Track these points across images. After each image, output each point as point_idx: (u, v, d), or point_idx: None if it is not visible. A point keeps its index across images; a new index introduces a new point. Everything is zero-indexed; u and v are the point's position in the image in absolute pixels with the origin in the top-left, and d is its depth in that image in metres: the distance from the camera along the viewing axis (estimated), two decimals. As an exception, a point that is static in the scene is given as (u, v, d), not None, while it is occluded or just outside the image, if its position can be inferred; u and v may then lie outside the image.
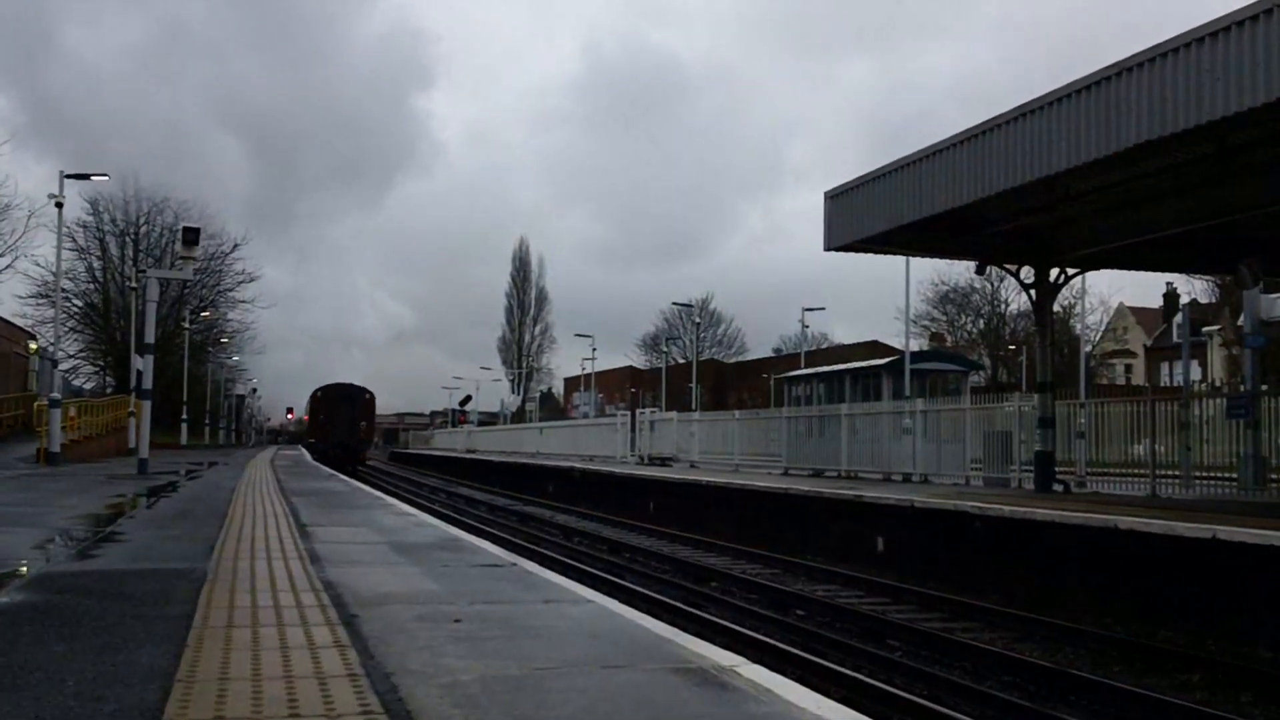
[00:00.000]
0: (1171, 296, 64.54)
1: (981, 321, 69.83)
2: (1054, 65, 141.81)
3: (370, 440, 55.69)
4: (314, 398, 53.51)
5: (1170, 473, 16.10)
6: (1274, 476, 15.15)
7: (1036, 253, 17.18)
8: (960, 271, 63.02)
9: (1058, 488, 16.61)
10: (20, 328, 47.97)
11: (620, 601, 7.47)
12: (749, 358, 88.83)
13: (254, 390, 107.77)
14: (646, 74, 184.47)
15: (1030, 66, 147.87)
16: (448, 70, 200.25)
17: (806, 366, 39.57)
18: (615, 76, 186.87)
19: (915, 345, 47.38)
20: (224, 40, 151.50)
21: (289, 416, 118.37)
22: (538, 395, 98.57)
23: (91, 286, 61.82)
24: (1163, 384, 60.67)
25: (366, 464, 50.12)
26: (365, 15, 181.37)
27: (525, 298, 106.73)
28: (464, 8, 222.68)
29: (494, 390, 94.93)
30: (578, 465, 32.89)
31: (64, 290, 49.67)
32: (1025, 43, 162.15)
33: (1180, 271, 39.26)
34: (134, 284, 45.47)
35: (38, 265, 51.52)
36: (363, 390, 53.37)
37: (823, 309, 57.69)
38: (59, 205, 30.70)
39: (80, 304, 60.97)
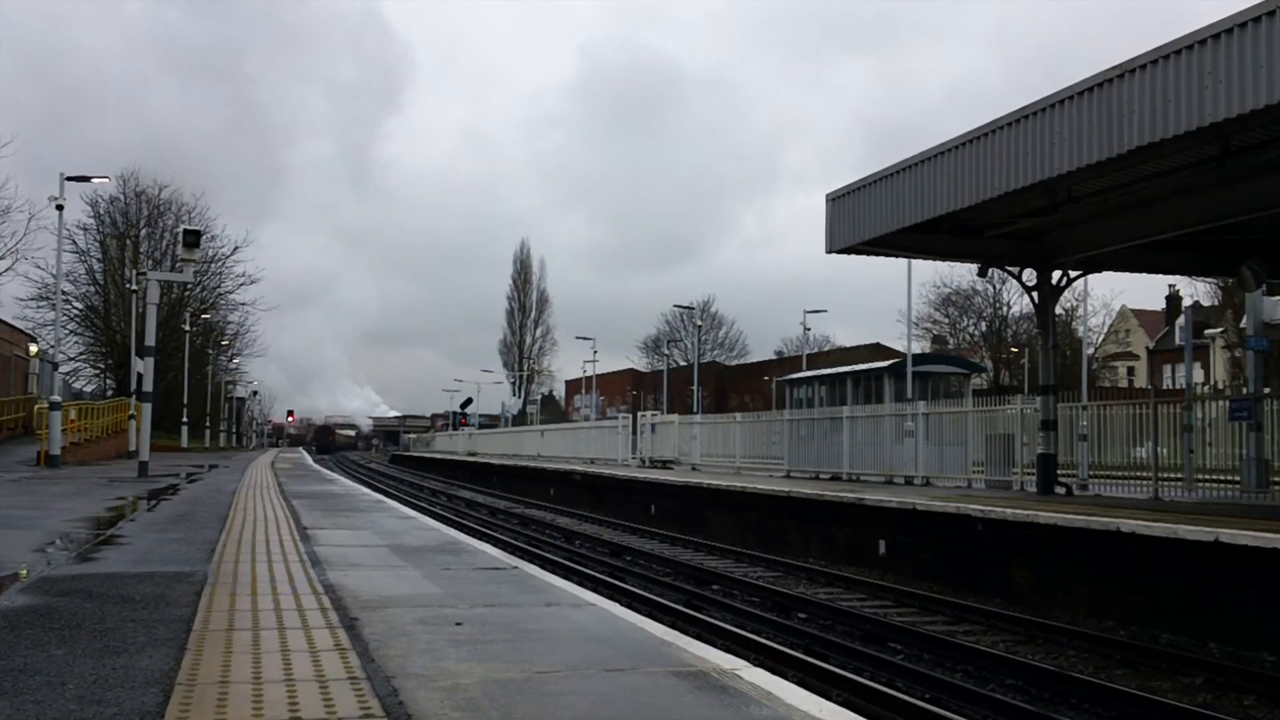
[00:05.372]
0: (1174, 299, 64.61)
1: (983, 324, 69.76)
2: (1050, 67, 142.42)
3: (334, 443, 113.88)
4: (315, 428, 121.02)
5: (1173, 475, 16.08)
6: (1277, 479, 15.13)
7: (1038, 255, 17.17)
8: (962, 274, 63.14)
9: (1060, 490, 16.59)
10: (21, 330, 47.80)
11: (621, 605, 7.47)
12: (750, 360, 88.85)
13: (254, 393, 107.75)
14: (643, 77, 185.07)
15: (1026, 68, 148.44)
16: (446, 74, 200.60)
17: (808, 369, 39.54)
18: (612, 80, 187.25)
19: (917, 348, 47.45)
20: (230, 46, 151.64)
21: (290, 420, 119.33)
22: (539, 398, 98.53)
23: (92, 289, 61.56)
24: (1165, 386, 60.58)
25: (333, 450, 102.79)
26: (366, 17, 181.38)
27: (526, 300, 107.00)
28: (461, 11, 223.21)
29: (495, 393, 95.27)
30: (579, 468, 32.87)
31: (64, 293, 49.57)
32: (1021, 45, 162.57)
33: (1183, 274, 39.19)
34: (134, 286, 45.38)
35: (38, 268, 51.31)
36: (330, 426, 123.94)
37: (824, 311, 57.34)
38: (59, 208, 30.63)
39: (81, 306, 60.74)
